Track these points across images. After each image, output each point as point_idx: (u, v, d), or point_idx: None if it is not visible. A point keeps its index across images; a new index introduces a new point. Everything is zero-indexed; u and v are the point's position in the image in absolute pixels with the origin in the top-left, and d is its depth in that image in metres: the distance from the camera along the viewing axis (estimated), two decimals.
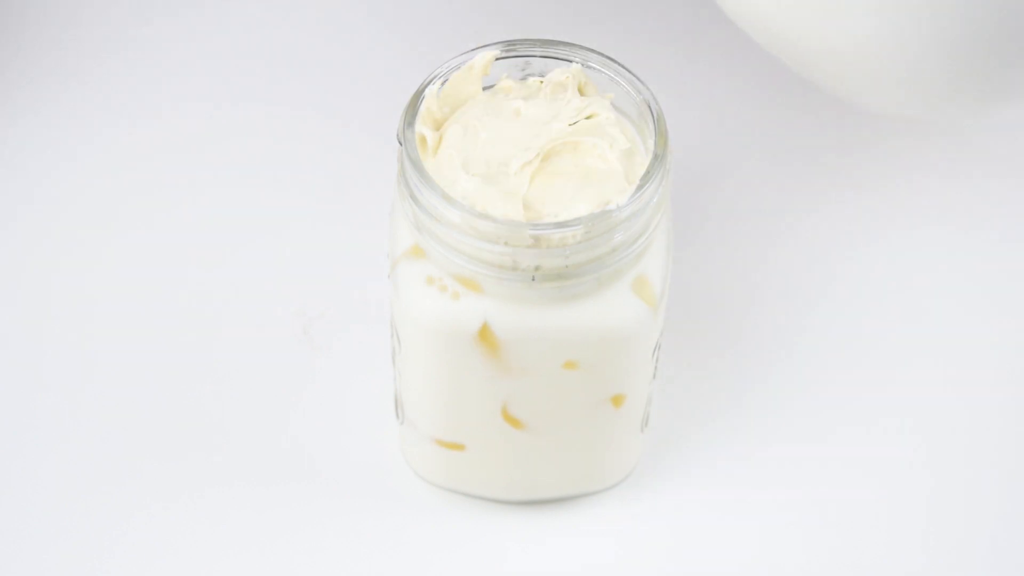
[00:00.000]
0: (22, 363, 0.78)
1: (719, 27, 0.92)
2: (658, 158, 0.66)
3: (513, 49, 0.69)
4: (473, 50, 0.68)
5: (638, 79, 0.68)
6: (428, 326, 0.67)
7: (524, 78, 0.69)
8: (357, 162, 0.85)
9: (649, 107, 0.67)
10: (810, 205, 0.85)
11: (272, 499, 0.74)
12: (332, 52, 0.90)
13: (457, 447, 0.72)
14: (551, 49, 0.69)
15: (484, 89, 0.69)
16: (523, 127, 0.67)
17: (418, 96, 0.67)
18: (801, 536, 0.74)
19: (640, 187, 0.65)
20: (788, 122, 0.88)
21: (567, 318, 0.66)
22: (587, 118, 0.67)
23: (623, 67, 0.68)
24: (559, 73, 0.68)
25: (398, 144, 0.66)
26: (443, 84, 0.68)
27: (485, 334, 0.66)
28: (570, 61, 0.69)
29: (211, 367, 0.78)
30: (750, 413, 0.77)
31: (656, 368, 0.72)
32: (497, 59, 0.69)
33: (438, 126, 0.68)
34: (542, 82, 0.69)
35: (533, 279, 0.65)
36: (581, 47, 0.69)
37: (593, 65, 0.69)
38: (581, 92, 0.69)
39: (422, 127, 0.67)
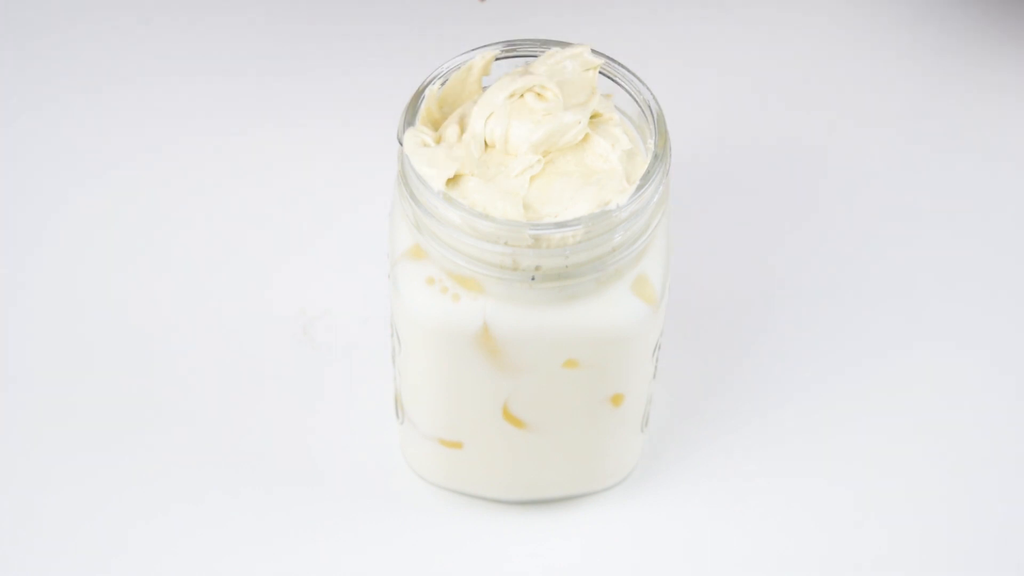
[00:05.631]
0: (24, 367, 0.78)
1: (719, 27, 0.92)
2: (658, 158, 0.66)
3: (513, 49, 0.69)
4: (473, 50, 0.68)
5: (638, 79, 0.68)
6: (428, 326, 0.67)
7: None
8: (357, 162, 0.85)
9: (649, 107, 0.67)
10: (810, 205, 0.85)
11: (272, 499, 0.74)
12: (332, 52, 0.90)
13: (457, 446, 0.72)
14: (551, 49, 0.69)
15: (484, 89, 0.69)
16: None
17: (418, 96, 0.67)
18: (801, 535, 0.74)
19: (640, 187, 0.65)
20: (788, 122, 0.88)
21: (567, 318, 0.66)
22: (591, 118, 0.67)
23: (623, 67, 0.68)
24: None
25: (398, 144, 0.66)
26: (443, 84, 0.68)
27: (485, 334, 0.66)
28: None
29: (211, 367, 0.78)
30: (750, 412, 0.77)
31: (656, 368, 0.72)
32: (497, 59, 0.69)
33: (438, 126, 0.68)
34: None
35: (533, 279, 0.65)
36: (581, 47, 0.69)
37: None
38: None
39: (422, 127, 0.67)
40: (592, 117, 0.67)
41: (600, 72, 0.68)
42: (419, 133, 0.66)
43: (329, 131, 0.87)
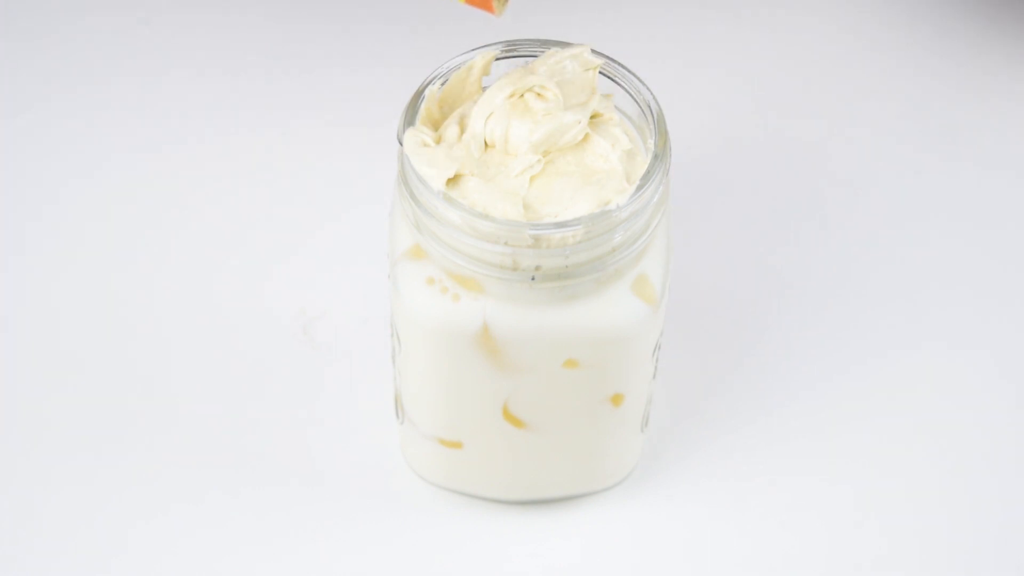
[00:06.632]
0: (23, 366, 0.78)
1: (719, 27, 0.92)
2: (658, 158, 0.66)
3: (513, 49, 0.69)
4: (473, 50, 0.68)
5: (638, 79, 0.68)
6: (428, 326, 0.67)
7: None
8: (357, 162, 0.85)
9: (649, 107, 0.67)
10: (810, 205, 0.85)
11: (272, 499, 0.74)
12: (332, 52, 0.90)
13: (457, 446, 0.72)
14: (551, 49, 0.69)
15: (484, 89, 0.69)
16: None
17: (418, 96, 0.67)
18: (801, 535, 0.74)
19: (640, 187, 0.65)
20: (788, 122, 0.88)
21: (567, 318, 0.66)
22: (591, 118, 0.67)
23: (623, 67, 0.68)
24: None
25: (398, 144, 0.66)
26: (443, 84, 0.68)
27: (485, 334, 0.66)
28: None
29: (211, 367, 0.78)
30: (750, 412, 0.77)
31: (656, 368, 0.72)
32: (497, 59, 0.69)
33: (438, 126, 0.68)
34: None
35: (533, 279, 0.65)
36: (581, 47, 0.69)
37: None
38: None
39: (422, 127, 0.67)
40: (592, 117, 0.67)
41: (600, 72, 0.68)
42: (419, 133, 0.66)
43: (329, 131, 0.87)
